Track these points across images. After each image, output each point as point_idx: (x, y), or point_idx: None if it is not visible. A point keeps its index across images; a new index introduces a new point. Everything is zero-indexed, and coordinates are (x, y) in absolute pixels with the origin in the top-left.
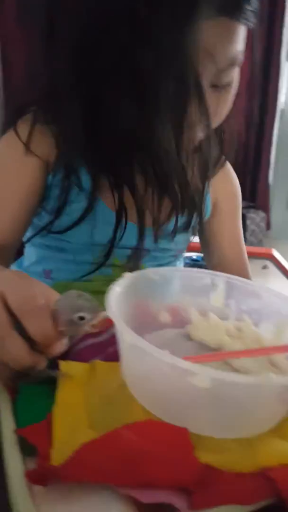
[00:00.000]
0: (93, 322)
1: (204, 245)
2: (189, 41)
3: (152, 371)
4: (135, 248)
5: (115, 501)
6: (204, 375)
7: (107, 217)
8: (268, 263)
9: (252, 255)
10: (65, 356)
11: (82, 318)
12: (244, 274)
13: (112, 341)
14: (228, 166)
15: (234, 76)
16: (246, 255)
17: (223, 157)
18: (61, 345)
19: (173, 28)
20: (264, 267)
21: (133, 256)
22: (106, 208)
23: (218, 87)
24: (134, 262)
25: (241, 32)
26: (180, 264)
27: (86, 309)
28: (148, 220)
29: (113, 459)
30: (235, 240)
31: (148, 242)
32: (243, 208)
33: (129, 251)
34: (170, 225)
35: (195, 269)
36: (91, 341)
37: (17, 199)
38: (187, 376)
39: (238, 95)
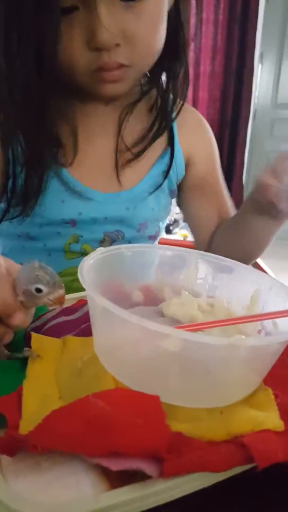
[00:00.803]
0: (50, 296)
1: (187, 208)
2: None
3: (124, 337)
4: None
5: (85, 471)
6: (174, 337)
7: (75, 187)
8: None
9: None
10: (37, 332)
11: (39, 291)
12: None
13: (85, 318)
14: (201, 121)
15: None
16: (226, 200)
17: (180, 101)
18: (23, 316)
19: None
20: None
21: (105, 240)
22: (71, 178)
23: (130, 0)
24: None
25: None
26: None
27: (44, 282)
28: (112, 185)
29: (82, 426)
30: (218, 196)
31: (120, 210)
32: None
33: (101, 235)
34: (142, 185)
35: (168, 247)
36: (63, 318)
37: None
38: (158, 339)
39: (213, 99)
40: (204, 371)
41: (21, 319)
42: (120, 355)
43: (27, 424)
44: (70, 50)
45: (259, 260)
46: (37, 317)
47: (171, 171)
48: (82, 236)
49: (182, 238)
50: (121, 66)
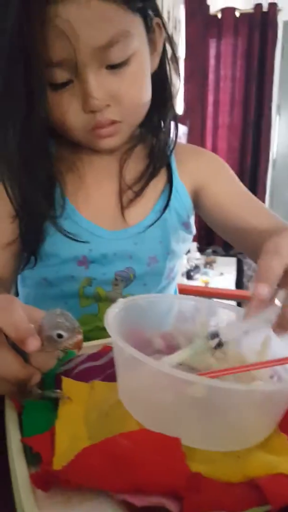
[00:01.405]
0: (69, 341)
1: (225, 231)
2: (37, 25)
3: (149, 383)
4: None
5: (111, 507)
6: (200, 384)
7: (85, 226)
8: None
9: (249, 300)
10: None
11: (60, 336)
12: (277, 225)
13: (110, 364)
14: (199, 150)
15: (128, 53)
16: (265, 208)
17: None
18: (36, 341)
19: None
20: None
21: (118, 280)
22: (81, 218)
23: (114, 67)
24: (119, 289)
25: (107, 9)
26: (173, 289)
27: (65, 328)
28: (118, 223)
29: (109, 464)
30: (245, 202)
31: (128, 245)
32: (238, 253)
33: (113, 276)
34: (147, 221)
35: (182, 296)
36: (91, 363)
37: (6, 229)
38: (184, 386)
39: (233, 149)
40: (224, 416)
41: (37, 344)
42: (145, 400)
43: (59, 462)
44: (68, 115)
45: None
46: (66, 361)
47: (177, 205)
48: (95, 279)
49: (203, 284)
50: (113, 122)
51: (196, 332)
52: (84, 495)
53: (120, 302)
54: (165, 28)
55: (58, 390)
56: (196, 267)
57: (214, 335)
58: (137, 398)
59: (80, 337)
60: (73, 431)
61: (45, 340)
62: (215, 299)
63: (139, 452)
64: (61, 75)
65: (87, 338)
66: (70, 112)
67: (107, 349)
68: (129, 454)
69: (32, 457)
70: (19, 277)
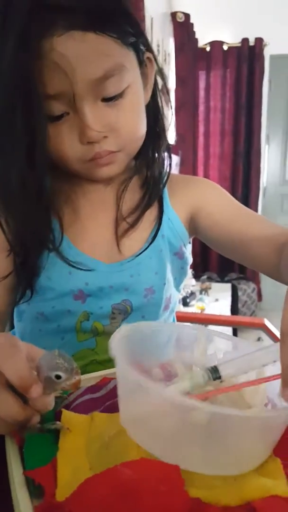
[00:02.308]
0: (67, 382)
1: (226, 248)
2: (31, 59)
3: (152, 409)
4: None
5: None
6: (202, 410)
7: (79, 258)
8: (262, 334)
9: (244, 325)
10: (66, 409)
11: (58, 377)
12: (279, 231)
13: (109, 396)
14: (187, 178)
15: (123, 85)
16: (261, 217)
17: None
18: (39, 389)
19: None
20: (259, 339)
21: (115, 314)
22: (77, 251)
23: (110, 100)
24: (117, 323)
25: (102, 43)
26: (171, 320)
27: (63, 369)
28: (114, 255)
29: (110, 493)
30: (241, 215)
31: (124, 277)
32: (233, 279)
33: (110, 309)
34: (142, 253)
35: (181, 324)
36: (90, 396)
37: (0, 263)
38: (186, 411)
39: (224, 178)
40: (223, 442)
41: (39, 392)
42: (146, 426)
43: (62, 493)
44: (66, 147)
45: (271, 326)
46: (63, 398)
47: (170, 234)
48: (92, 313)
49: (199, 311)
50: (111, 152)
51: (194, 361)
52: None
53: (124, 328)
54: (156, 62)
55: (58, 422)
56: (192, 294)
57: (215, 371)
58: (140, 423)
59: (78, 377)
60: (74, 462)
61: (43, 381)
62: (211, 326)
63: (140, 480)
64: (58, 108)
65: (84, 372)
66: (67, 144)
67: (106, 381)
68: (130, 483)
69: (34, 489)
70: (15, 311)
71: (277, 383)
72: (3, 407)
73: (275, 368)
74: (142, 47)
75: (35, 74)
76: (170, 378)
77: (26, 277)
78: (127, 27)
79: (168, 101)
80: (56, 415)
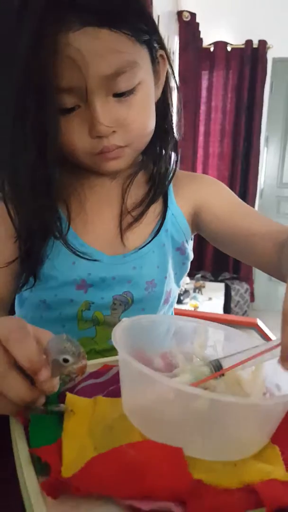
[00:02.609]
0: (74, 366)
1: (228, 243)
2: (48, 52)
3: (155, 397)
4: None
5: None
6: (204, 397)
7: (85, 250)
8: (254, 334)
9: (237, 324)
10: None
11: (66, 361)
12: (279, 228)
13: (111, 381)
14: (191, 175)
15: (135, 82)
16: (262, 215)
17: (171, 169)
18: (48, 372)
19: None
20: None
21: (116, 304)
22: (81, 242)
23: (121, 95)
24: (118, 314)
25: (116, 40)
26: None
27: (71, 353)
28: (118, 248)
29: (116, 472)
30: (243, 212)
31: (127, 269)
32: (226, 279)
33: (111, 300)
34: (145, 246)
35: (181, 317)
36: (93, 381)
37: (4, 242)
38: (189, 399)
39: (222, 178)
40: (224, 429)
41: (47, 375)
42: (148, 414)
43: (67, 471)
44: (76, 139)
45: (263, 326)
46: (68, 380)
47: (173, 229)
48: (93, 303)
49: (192, 309)
50: (119, 147)
51: (194, 352)
52: (92, 502)
53: (126, 320)
54: (168, 61)
55: (62, 404)
56: (186, 292)
57: (217, 365)
58: (142, 411)
59: (84, 362)
60: (79, 442)
61: (51, 363)
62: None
63: (144, 461)
64: (69, 101)
65: None
66: (77, 136)
67: (108, 367)
68: (135, 463)
69: (40, 467)
70: (16, 298)
71: (274, 373)
72: (12, 387)
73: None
74: (155, 45)
75: (49, 67)
76: (171, 368)
77: (30, 265)
78: (141, 25)
79: (179, 99)
80: (59, 397)
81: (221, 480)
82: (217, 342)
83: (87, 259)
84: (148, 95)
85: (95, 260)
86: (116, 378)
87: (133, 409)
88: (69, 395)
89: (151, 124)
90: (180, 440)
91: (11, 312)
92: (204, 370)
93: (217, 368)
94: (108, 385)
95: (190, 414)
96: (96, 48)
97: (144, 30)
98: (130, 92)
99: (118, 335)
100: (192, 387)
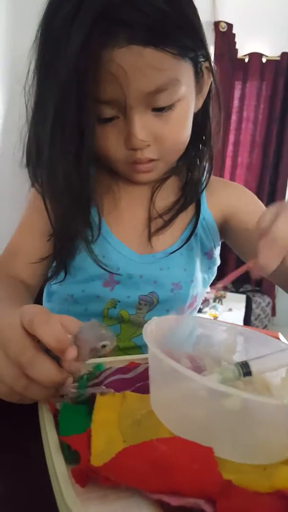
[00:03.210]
0: (107, 349)
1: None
2: (89, 67)
3: (185, 395)
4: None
5: (146, 506)
6: (236, 396)
7: (116, 246)
8: None
9: None
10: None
11: (104, 346)
12: None
13: (139, 378)
14: (226, 182)
15: (175, 98)
16: None
17: (204, 177)
18: (74, 351)
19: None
20: None
21: (141, 304)
22: (114, 238)
23: (159, 110)
24: (143, 313)
25: (160, 58)
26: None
27: (109, 338)
28: (146, 248)
29: (146, 466)
30: None
31: (154, 270)
32: (248, 291)
33: (136, 300)
34: (174, 249)
35: (211, 320)
36: (120, 376)
37: (39, 238)
38: (220, 398)
39: (249, 189)
40: (255, 431)
41: (74, 354)
42: (178, 412)
43: (96, 461)
44: (111, 148)
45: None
46: (96, 374)
47: (203, 234)
48: (119, 302)
49: (212, 318)
50: (151, 160)
51: (223, 356)
52: (120, 493)
53: (156, 319)
54: (212, 74)
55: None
56: (206, 301)
57: (245, 367)
58: (171, 409)
59: (114, 343)
60: (108, 434)
61: (88, 351)
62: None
63: (175, 457)
64: (108, 111)
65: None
66: (113, 146)
67: (135, 365)
68: (165, 458)
69: (69, 455)
70: (45, 291)
71: None
72: (41, 370)
73: None
74: (201, 59)
75: (91, 79)
76: (198, 370)
77: (62, 258)
78: (188, 42)
79: (220, 111)
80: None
81: (251, 482)
82: (246, 348)
83: (106, 270)
84: (187, 110)
85: (110, 272)
86: (143, 376)
87: (162, 406)
88: (98, 397)
89: (186, 138)
90: (209, 440)
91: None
92: (232, 372)
93: (244, 368)
94: (136, 381)
95: (220, 414)
96: (139, 66)
97: (190, 47)
98: (169, 107)
99: (149, 332)
100: (223, 385)
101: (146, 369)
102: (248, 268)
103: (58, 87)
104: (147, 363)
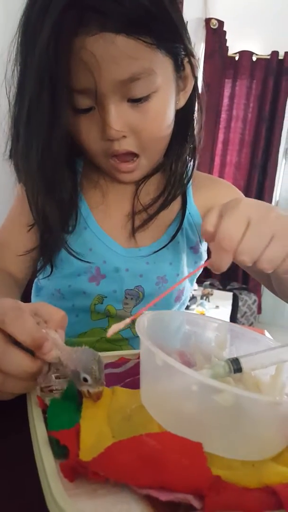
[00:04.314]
0: (90, 389)
1: None
2: (63, 57)
3: (177, 390)
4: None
5: (135, 501)
6: (228, 392)
7: (103, 239)
8: None
9: None
10: None
11: (85, 380)
12: None
13: (129, 373)
14: (213, 179)
15: (151, 89)
16: None
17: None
18: (51, 345)
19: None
20: None
21: (127, 299)
22: (100, 231)
23: (136, 101)
24: (129, 308)
25: (133, 47)
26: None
27: (93, 377)
28: (132, 241)
29: (135, 460)
30: None
31: (140, 263)
32: (235, 289)
33: (123, 295)
34: (160, 243)
35: (203, 316)
36: (111, 370)
37: (25, 231)
38: (212, 393)
39: (238, 187)
40: (246, 427)
41: (50, 348)
42: (169, 407)
43: (85, 456)
44: (89, 139)
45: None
46: None
47: (189, 229)
48: (106, 297)
49: None
50: (130, 153)
51: (213, 352)
52: (109, 489)
53: (148, 313)
54: (193, 70)
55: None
56: (193, 298)
57: (236, 363)
58: (162, 403)
59: (101, 389)
60: (97, 429)
61: (71, 372)
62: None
63: (164, 452)
64: (83, 102)
65: (93, 349)
66: (90, 137)
67: (125, 360)
68: (155, 453)
69: (57, 449)
70: (34, 287)
71: None
72: (13, 362)
73: None
74: (181, 52)
75: (64, 68)
76: (188, 366)
77: (48, 252)
78: (164, 33)
79: (201, 109)
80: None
81: (240, 478)
82: (236, 344)
83: (83, 260)
84: (165, 103)
85: (89, 262)
86: (133, 371)
87: (152, 400)
88: None
89: (164, 131)
90: (199, 435)
91: (27, 300)
92: (222, 368)
93: (234, 365)
94: (126, 376)
95: (211, 409)
96: (110, 54)
97: (167, 38)
98: (145, 99)
99: (142, 326)
100: (216, 381)
101: (136, 365)
102: (208, 265)
103: (32, 76)
104: (137, 358)
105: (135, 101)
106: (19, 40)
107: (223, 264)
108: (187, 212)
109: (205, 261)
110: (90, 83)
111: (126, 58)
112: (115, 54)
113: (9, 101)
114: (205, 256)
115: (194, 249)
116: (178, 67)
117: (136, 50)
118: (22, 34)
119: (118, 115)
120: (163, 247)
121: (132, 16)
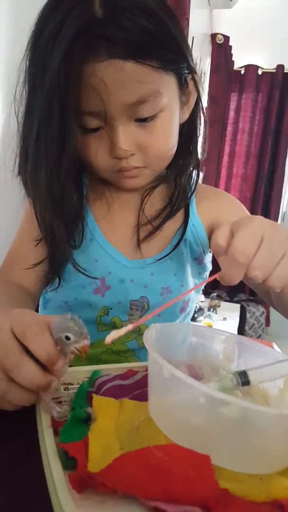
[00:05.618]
0: (76, 344)
1: None
2: (70, 81)
3: (184, 402)
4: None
5: None
6: (236, 404)
7: (108, 250)
8: None
9: None
10: (97, 393)
11: (68, 338)
12: None
13: (137, 385)
14: (218, 191)
15: (157, 109)
16: None
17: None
18: (64, 364)
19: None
20: None
21: (133, 309)
22: (106, 242)
23: (143, 120)
24: (135, 319)
25: (140, 72)
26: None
27: (73, 332)
28: (137, 253)
29: (143, 472)
30: None
31: (145, 274)
32: (242, 300)
33: (128, 306)
34: (164, 254)
35: (211, 328)
36: (119, 382)
37: (34, 246)
38: (219, 406)
39: (244, 199)
40: (253, 440)
41: (62, 366)
42: (176, 419)
43: (93, 467)
44: (96, 158)
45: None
46: (94, 380)
47: (192, 241)
48: (111, 309)
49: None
50: (136, 167)
51: (221, 365)
52: (117, 500)
53: (156, 325)
54: (196, 86)
55: (90, 408)
56: (200, 310)
57: (244, 376)
58: (169, 415)
59: (86, 342)
60: (105, 441)
61: (55, 342)
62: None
63: (172, 464)
64: (92, 122)
65: (99, 360)
66: (98, 155)
67: (133, 373)
68: (162, 465)
69: (66, 461)
70: (41, 298)
71: None
72: (25, 373)
73: None
74: (185, 71)
75: (73, 92)
76: (196, 379)
77: (55, 265)
78: (169, 55)
79: (205, 122)
80: (87, 398)
81: (247, 492)
82: (244, 357)
83: (90, 276)
84: (170, 120)
85: (94, 278)
86: (141, 383)
87: (160, 412)
88: (95, 397)
89: (170, 146)
90: (207, 447)
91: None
92: (230, 380)
93: (242, 377)
94: (134, 389)
95: (219, 422)
96: (119, 79)
97: (172, 60)
98: (152, 118)
99: (150, 338)
100: (223, 393)
101: (144, 377)
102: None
103: (42, 99)
104: (146, 371)
105: (142, 120)
106: (28, 62)
107: (235, 277)
108: (190, 223)
109: (214, 273)
110: (99, 107)
111: (134, 83)
112: (123, 79)
113: (17, 120)
114: (209, 267)
115: (198, 260)
116: (182, 85)
117: (143, 74)
118: (31, 57)
119: (126, 135)
120: (166, 255)
121: (138, 43)
